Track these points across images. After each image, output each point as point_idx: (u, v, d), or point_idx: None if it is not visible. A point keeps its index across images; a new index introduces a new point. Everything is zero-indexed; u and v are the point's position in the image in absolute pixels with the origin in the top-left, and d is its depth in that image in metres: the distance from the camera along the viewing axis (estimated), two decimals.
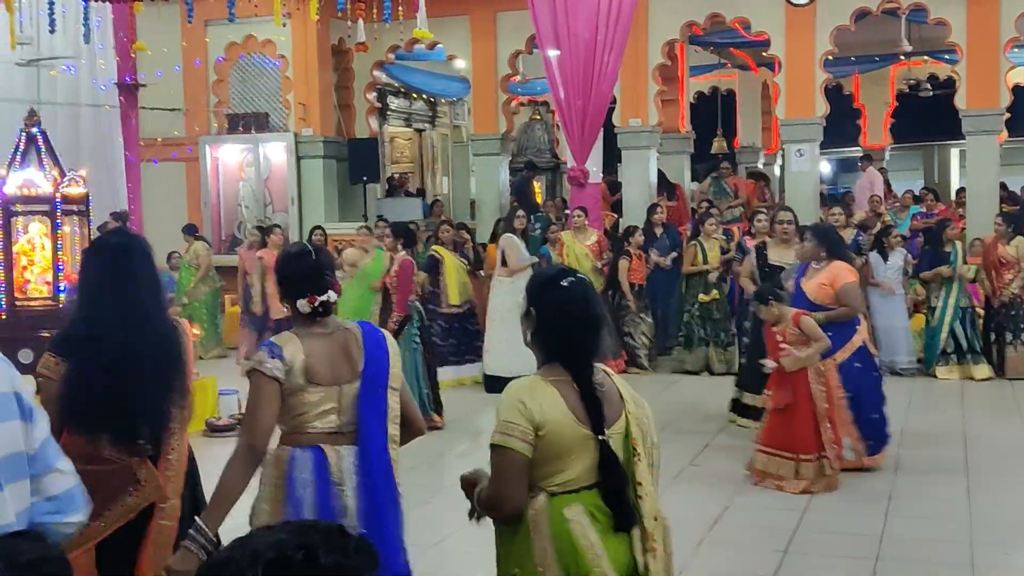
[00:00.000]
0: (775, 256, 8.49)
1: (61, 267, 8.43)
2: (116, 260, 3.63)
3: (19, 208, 8.45)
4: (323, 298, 3.42)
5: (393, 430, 3.43)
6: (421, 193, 16.28)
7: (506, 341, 9.73)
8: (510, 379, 3.10)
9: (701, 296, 10.94)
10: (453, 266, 10.69)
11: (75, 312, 3.73)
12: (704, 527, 5.98)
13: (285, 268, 3.55)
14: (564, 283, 2.89)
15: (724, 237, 11.37)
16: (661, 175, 13.91)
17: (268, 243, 11.82)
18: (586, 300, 2.90)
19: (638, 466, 2.87)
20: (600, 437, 2.82)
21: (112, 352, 3.50)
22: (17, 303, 8.61)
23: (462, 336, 10.81)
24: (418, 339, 8.65)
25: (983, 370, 10.30)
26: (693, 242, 11.21)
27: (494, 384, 9.87)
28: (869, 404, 7.03)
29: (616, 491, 2.84)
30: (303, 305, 3.41)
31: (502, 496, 2.86)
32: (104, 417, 3.48)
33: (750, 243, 9.92)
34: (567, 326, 2.86)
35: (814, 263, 7.23)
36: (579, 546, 2.79)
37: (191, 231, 12.91)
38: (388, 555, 3.37)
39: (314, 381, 3.38)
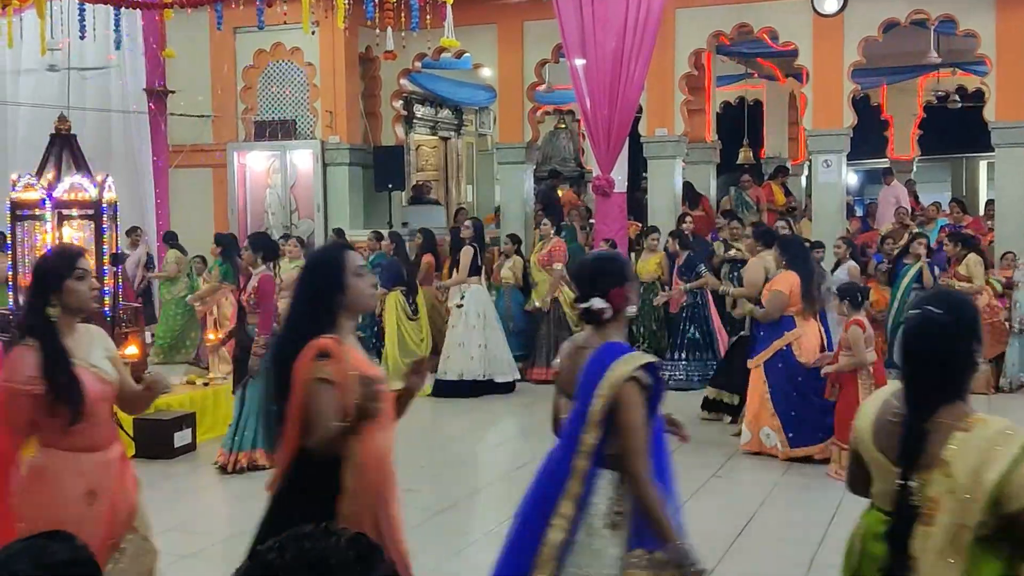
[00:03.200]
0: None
1: (106, 271, 8.41)
2: None
3: (70, 212, 8.47)
4: (584, 306, 3.40)
5: (579, 462, 3.24)
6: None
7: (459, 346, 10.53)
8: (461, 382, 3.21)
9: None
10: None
11: None
12: (727, 539, 5.96)
13: (571, 277, 3.68)
14: (912, 312, 2.87)
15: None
16: (689, 187, 13.88)
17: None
18: (916, 335, 2.82)
19: (916, 533, 2.67)
20: (900, 481, 2.72)
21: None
22: None
23: None
24: None
25: None
26: (632, 254, 11.43)
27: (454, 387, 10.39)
28: (788, 401, 7.72)
29: (894, 537, 2.75)
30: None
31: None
32: None
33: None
34: (902, 355, 2.87)
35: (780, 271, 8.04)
36: (849, 553, 2.96)
37: (170, 239, 12.93)
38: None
39: (561, 386, 3.54)
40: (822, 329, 7.99)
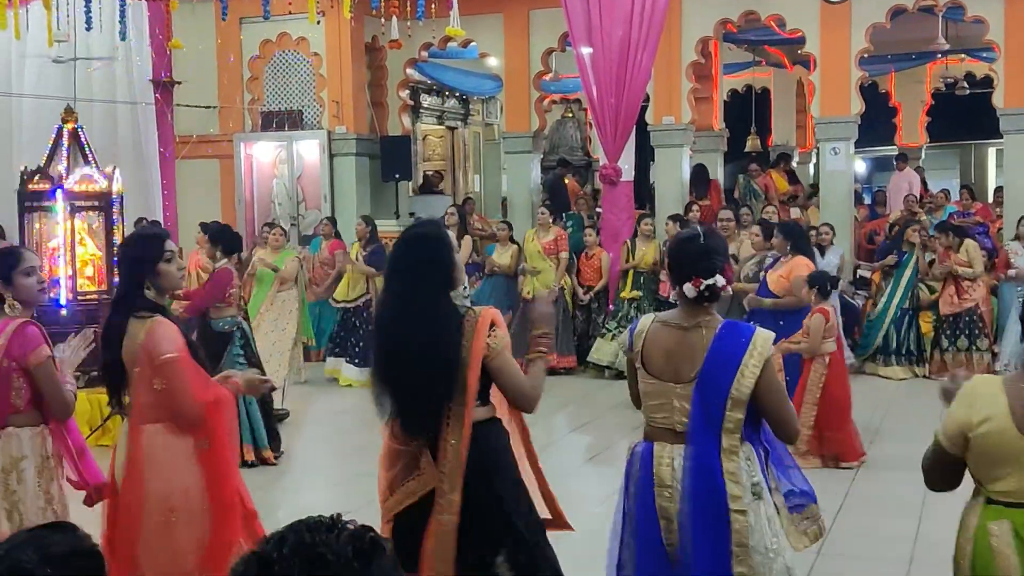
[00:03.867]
0: None
1: (116, 262, 8.35)
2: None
3: (81, 204, 8.45)
4: (709, 282, 3.37)
5: (729, 442, 3.29)
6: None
7: None
8: None
9: (622, 293, 11.01)
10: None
11: None
12: None
13: (677, 252, 3.58)
14: None
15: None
16: (703, 171, 13.82)
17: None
18: None
19: None
20: None
21: (383, 341, 3.57)
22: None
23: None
24: (243, 359, 7.65)
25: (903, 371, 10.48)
26: (626, 241, 11.31)
27: None
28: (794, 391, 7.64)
29: None
30: (688, 289, 3.38)
31: (925, 474, 2.99)
32: (392, 404, 3.52)
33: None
34: None
35: (782, 258, 7.89)
36: (994, 563, 2.77)
37: None
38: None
39: (647, 370, 3.44)
40: None
